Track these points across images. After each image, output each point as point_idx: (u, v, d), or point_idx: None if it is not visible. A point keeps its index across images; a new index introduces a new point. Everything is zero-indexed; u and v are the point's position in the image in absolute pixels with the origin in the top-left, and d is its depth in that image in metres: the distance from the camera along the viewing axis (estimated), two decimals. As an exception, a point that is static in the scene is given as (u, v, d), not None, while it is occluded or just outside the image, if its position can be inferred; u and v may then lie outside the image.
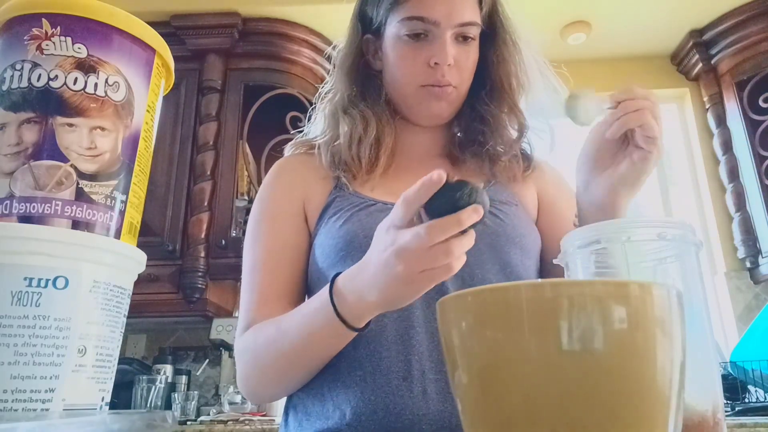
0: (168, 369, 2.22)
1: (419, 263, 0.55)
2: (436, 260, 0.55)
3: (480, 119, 0.89)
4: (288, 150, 0.96)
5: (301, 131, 1.00)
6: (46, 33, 0.51)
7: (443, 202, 0.53)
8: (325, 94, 0.94)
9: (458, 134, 0.92)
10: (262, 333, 0.76)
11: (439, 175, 0.53)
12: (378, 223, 0.79)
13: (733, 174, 2.54)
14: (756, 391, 1.80)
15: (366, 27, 0.90)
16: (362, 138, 0.85)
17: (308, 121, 0.99)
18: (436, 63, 0.81)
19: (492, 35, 0.89)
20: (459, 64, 0.83)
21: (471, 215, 0.53)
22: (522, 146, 0.92)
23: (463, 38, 0.83)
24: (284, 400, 0.85)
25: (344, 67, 0.91)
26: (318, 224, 0.85)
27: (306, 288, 0.87)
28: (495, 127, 0.88)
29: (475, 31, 0.84)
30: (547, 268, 0.86)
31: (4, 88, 0.51)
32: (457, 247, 0.54)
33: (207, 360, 2.45)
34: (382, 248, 0.59)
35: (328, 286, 0.66)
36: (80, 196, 0.50)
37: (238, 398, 2.05)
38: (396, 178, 0.88)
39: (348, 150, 0.85)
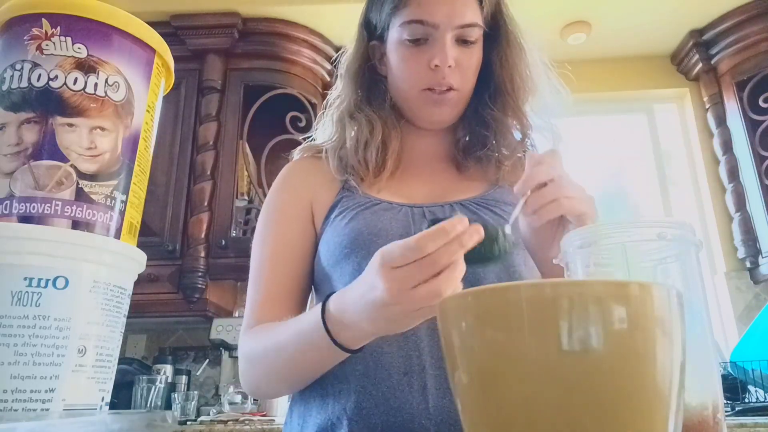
0: (168, 369, 2.22)
1: (405, 279, 0.51)
2: (421, 272, 0.50)
3: (484, 123, 0.89)
4: (296, 155, 0.98)
5: (306, 135, 1.02)
6: (46, 33, 0.51)
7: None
8: (333, 100, 0.96)
9: (463, 138, 0.92)
10: (261, 342, 0.77)
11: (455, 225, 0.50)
12: (383, 221, 0.80)
13: (733, 174, 2.54)
14: (756, 391, 1.80)
15: (371, 33, 0.92)
16: (369, 142, 0.86)
17: (313, 124, 1.01)
18: (436, 65, 0.81)
19: (495, 37, 0.89)
20: (460, 66, 0.83)
21: (464, 230, 0.50)
22: (526, 148, 0.92)
23: (463, 41, 0.83)
24: (286, 397, 0.86)
25: (350, 73, 0.93)
26: (324, 223, 0.86)
27: (311, 286, 0.88)
28: (499, 130, 0.89)
29: (476, 33, 0.84)
30: (548, 266, 0.86)
31: (4, 88, 0.51)
32: (444, 256, 0.50)
33: (207, 360, 2.45)
34: (369, 278, 0.56)
35: (320, 307, 0.65)
36: (80, 196, 0.50)
37: (238, 398, 2.05)
38: (402, 181, 0.89)
39: (355, 154, 0.87)
